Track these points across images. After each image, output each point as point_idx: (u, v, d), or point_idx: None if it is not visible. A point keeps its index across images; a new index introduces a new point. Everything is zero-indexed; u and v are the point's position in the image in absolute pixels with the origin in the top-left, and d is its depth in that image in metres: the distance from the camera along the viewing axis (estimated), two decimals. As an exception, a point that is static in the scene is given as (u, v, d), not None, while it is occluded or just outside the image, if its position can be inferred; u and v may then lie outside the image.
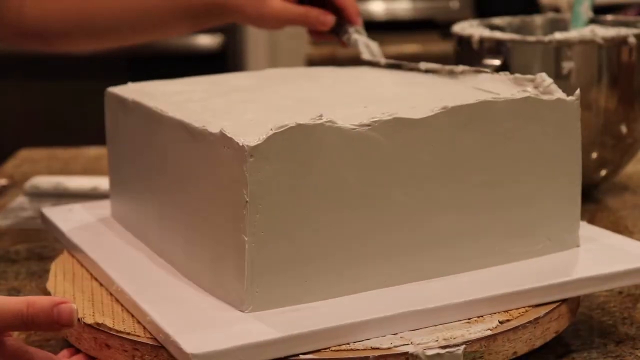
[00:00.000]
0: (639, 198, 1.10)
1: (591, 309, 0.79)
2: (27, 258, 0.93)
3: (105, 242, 0.78)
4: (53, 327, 0.60)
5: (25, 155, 1.37)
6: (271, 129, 0.62)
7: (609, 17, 1.13)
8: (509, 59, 1.03)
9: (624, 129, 1.04)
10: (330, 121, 0.64)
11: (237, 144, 0.62)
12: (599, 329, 0.76)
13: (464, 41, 1.07)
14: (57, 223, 0.84)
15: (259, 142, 0.61)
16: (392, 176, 0.66)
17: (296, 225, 0.64)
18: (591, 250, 0.74)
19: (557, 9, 1.86)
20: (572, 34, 1.02)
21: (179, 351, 0.59)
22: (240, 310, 0.63)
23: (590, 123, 1.03)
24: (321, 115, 0.64)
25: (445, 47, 2.44)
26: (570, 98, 0.72)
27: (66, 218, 0.85)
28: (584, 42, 1.02)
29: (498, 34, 1.05)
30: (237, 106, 0.74)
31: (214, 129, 0.65)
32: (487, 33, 1.06)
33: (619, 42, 1.02)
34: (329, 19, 1.02)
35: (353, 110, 0.69)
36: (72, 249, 0.79)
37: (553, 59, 1.01)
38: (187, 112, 0.71)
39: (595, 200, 1.09)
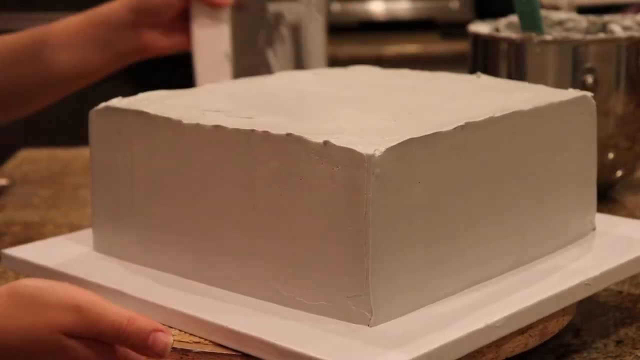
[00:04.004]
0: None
1: (591, 308, 0.79)
2: (27, 258, 0.93)
3: (124, 279, 0.72)
4: (144, 351, 0.59)
5: (25, 155, 1.37)
6: (390, 140, 0.62)
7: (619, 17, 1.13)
8: (526, 60, 1.02)
9: (638, 131, 1.04)
10: (439, 131, 0.64)
11: (360, 154, 0.60)
12: (599, 329, 0.76)
13: (479, 41, 1.07)
14: (48, 264, 0.76)
15: (380, 154, 0.60)
16: (486, 177, 0.69)
17: (415, 232, 0.64)
18: (608, 234, 0.79)
19: (557, 9, 1.86)
20: (591, 34, 1.02)
21: None
22: (366, 325, 0.62)
23: (607, 125, 1.02)
24: (432, 126, 0.65)
25: (446, 47, 2.45)
26: (587, 94, 0.77)
27: (50, 256, 0.77)
28: (602, 42, 1.01)
29: (514, 34, 1.05)
30: (307, 116, 0.71)
31: (320, 139, 0.62)
32: (503, 33, 1.06)
33: (638, 42, 1.02)
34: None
35: (426, 117, 0.70)
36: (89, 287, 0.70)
37: (570, 59, 1.01)
38: (272, 126, 0.66)
39: (612, 199, 1.09)
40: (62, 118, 2.44)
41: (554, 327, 0.70)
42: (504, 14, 1.13)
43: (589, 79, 1.01)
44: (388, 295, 0.62)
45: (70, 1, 2.20)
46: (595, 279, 0.71)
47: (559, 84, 1.01)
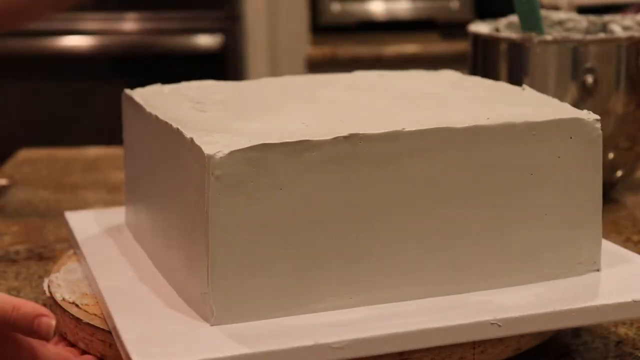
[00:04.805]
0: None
1: (591, 309, 0.79)
2: (27, 258, 0.93)
3: (105, 250, 0.78)
4: (31, 334, 0.62)
5: (25, 155, 1.37)
6: (237, 144, 0.61)
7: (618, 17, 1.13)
8: (526, 60, 1.02)
9: (638, 131, 1.04)
10: (307, 139, 0.63)
11: (203, 154, 0.61)
12: (599, 329, 0.76)
13: (479, 41, 1.07)
14: (74, 230, 0.83)
15: (223, 156, 0.61)
16: (375, 195, 0.65)
17: (274, 239, 0.63)
18: (613, 274, 0.72)
19: (557, 9, 1.86)
20: (591, 34, 1.01)
21: None
22: (207, 322, 0.63)
23: (607, 125, 1.02)
24: (288, 135, 0.63)
25: (446, 47, 2.45)
26: (582, 117, 0.70)
27: (83, 224, 0.83)
28: (602, 42, 1.01)
29: (514, 34, 1.05)
30: (250, 115, 0.72)
31: (189, 136, 0.64)
32: (503, 33, 1.06)
33: (638, 42, 1.02)
34: None
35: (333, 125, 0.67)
36: (80, 256, 0.79)
37: (570, 59, 1.01)
38: (187, 121, 0.69)
39: (612, 199, 1.09)
40: (62, 118, 2.45)
41: None
42: (504, 14, 1.13)
43: (589, 79, 1.01)
44: (232, 297, 0.62)
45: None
46: (509, 321, 0.64)
47: (559, 84, 1.02)
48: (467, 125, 0.67)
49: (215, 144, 0.62)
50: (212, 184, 0.61)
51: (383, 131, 0.65)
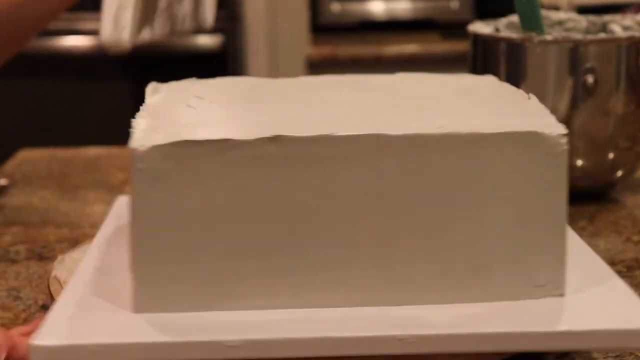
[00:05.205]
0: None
1: (591, 309, 0.79)
2: (27, 258, 0.93)
3: (108, 236, 0.79)
4: None
5: (25, 155, 1.37)
6: (160, 140, 0.62)
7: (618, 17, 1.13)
8: (526, 59, 1.02)
9: (638, 131, 1.04)
10: (230, 138, 0.63)
11: (133, 147, 0.62)
12: (599, 329, 0.75)
13: (479, 41, 1.07)
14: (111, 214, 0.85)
15: (145, 149, 0.62)
16: (299, 198, 0.64)
17: (182, 234, 0.63)
18: (578, 300, 0.66)
19: (557, 9, 1.86)
20: (591, 34, 1.01)
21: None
22: (132, 311, 0.64)
23: (607, 125, 1.02)
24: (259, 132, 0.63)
25: (446, 47, 2.45)
26: (553, 132, 0.64)
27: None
28: (602, 42, 1.01)
29: (514, 34, 1.05)
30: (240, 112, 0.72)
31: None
32: (503, 32, 1.06)
33: (638, 42, 1.02)
34: None
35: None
36: None
37: (570, 59, 1.01)
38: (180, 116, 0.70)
39: (612, 199, 1.09)
40: (62, 118, 2.45)
41: None
42: (504, 14, 1.13)
43: (589, 79, 1.01)
44: (154, 287, 0.63)
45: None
46: (421, 338, 0.61)
47: (559, 84, 1.02)
48: (401, 133, 0.64)
49: (149, 138, 0.63)
50: (137, 177, 0.63)
51: (309, 134, 0.63)
